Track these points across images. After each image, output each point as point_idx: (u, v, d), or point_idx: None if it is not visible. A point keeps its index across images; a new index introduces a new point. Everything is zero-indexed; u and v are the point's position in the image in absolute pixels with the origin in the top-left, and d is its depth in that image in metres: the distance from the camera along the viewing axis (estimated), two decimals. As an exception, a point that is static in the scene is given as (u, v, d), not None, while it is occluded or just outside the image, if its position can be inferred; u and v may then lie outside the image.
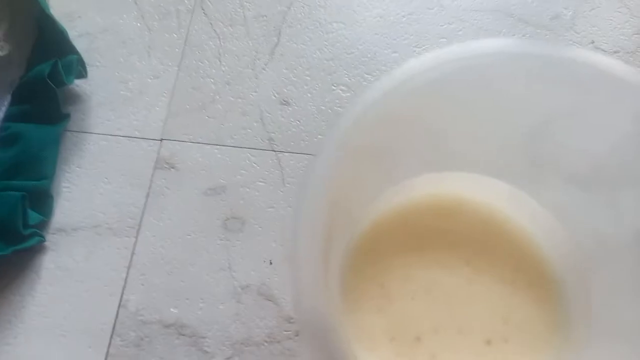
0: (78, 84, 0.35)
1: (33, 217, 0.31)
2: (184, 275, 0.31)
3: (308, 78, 0.35)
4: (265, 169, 0.33)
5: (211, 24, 0.37)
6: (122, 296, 0.30)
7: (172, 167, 0.33)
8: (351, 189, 0.20)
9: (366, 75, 0.35)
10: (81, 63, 0.33)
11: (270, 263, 0.31)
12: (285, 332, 0.29)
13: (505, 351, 0.20)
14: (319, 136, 0.34)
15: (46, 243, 0.31)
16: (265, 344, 0.29)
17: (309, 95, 0.35)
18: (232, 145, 0.34)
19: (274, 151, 0.33)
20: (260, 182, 0.33)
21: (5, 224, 0.29)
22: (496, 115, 0.21)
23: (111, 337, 0.29)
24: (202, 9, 0.37)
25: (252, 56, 0.36)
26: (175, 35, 0.37)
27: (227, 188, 0.33)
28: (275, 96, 0.35)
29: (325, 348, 0.13)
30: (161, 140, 0.34)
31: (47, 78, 0.31)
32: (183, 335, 0.29)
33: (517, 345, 0.20)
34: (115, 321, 0.30)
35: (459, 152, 0.21)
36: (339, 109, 0.34)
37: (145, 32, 0.37)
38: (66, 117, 0.33)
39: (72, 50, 0.33)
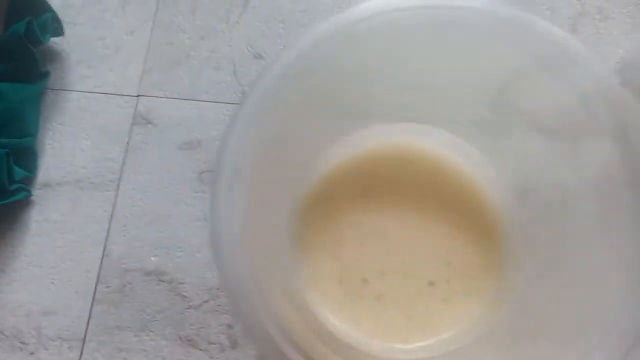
0: (56, 42, 0.36)
1: (18, 173, 0.32)
2: (163, 226, 0.32)
3: (282, 31, 0.36)
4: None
5: (185, -23, 0.37)
6: (105, 246, 0.32)
7: (149, 123, 0.34)
8: (298, 138, 0.21)
9: (339, 27, 0.35)
10: (57, 20, 0.34)
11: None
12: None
13: (447, 291, 0.21)
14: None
15: (33, 198, 0.33)
16: (240, 288, 0.31)
17: (282, 48, 0.35)
18: (207, 100, 0.34)
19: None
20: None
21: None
22: (448, 68, 0.21)
23: (96, 283, 0.31)
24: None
25: (226, 9, 0.36)
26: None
27: (203, 142, 0.34)
28: (248, 50, 0.35)
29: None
30: (138, 96, 0.35)
31: (23, 37, 0.32)
32: (162, 281, 0.31)
33: (459, 286, 0.21)
34: (99, 269, 0.32)
35: (410, 103, 0.22)
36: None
37: (120, -12, 0.37)
38: (46, 75, 0.34)
39: (47, 8, 0.33)
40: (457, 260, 0.22)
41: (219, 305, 0.31)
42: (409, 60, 0.21)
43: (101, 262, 0.32)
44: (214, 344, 0.30)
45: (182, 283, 0.31)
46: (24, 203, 0.33)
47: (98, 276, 0.32)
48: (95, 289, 0.31)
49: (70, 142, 0.34)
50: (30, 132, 0.33)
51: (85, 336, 0.31)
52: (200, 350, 0.30)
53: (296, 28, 0.36)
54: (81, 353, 0.31)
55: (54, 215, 0.33)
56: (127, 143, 0.34)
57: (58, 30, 0.34)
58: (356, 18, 0.18)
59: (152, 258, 0.32)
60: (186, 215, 0.32)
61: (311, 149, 0.22)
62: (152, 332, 0.31)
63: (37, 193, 0.33)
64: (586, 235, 0.20)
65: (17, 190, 0.32)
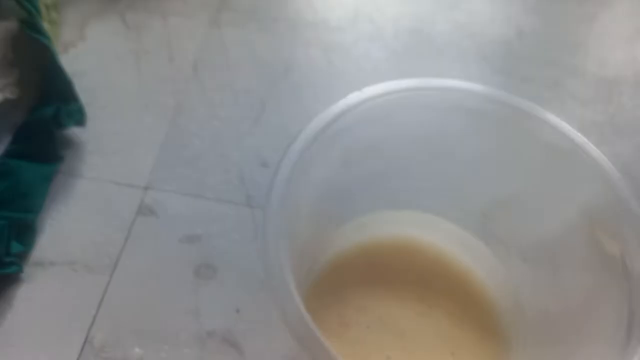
0: (75, 131, 0.38)
1: (15, 246, 0.32)
2: (152, 317, 0.32)
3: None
4: (241, 223, 0.35)
5: (204, 91, 0.41)
6: (89, 332, 0.31)
7: (153, 214, 0.35)
8: (309, 226, 0.22)
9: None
10: (81, 112, 0.36)
11: (237, 311, 0.32)
12: (245, 378, 0.30)
13: (453, 382, 0.21)
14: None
15: (22, 274, 0.32)
16: (225, 387, 0.30)
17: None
18: (212, 198, 0.36)
19: (251, 207, 0.36)
20: (235, 234, 0.35)
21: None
22: (452, 160, 0.23)
23: (73, 371, 0.30)
24: (198, 77, 0.41)
25: (238, 121, 0.40)
26: (171, 100, 0.40)
27: (202, 237, 0.35)
28: (256, 158, 0.38)
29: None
30: (146, 188, 0.36)
31: (49, 121, 0.34)
32: (144, 374, 0.30)
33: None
34: (79, 356, 0.30)
35: (414, 191, 0.24)
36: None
37: (143, 94, 0.40)
38: (60, 158, 0.36)
39: (75, 99, 0.36)
40: (461, 351, 0.22)
41: (201, 404, 0.29)
42: (414, 148, 0.23)
43: (82, 349, 0.30)
44: None
45: (164, 378, 0.30)
46: (12, 279, 0.32)
47: (76, 363, 0.30)
48: (71, 376, 0.30)
49: (70, 225, 0.34)
50: (34, 209, 0.33)
51: None
52: None
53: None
54: None
55: (41, 295, 0.32)
56: (129, 231, 0.34)
57: (81, 121, 0.37)
58: (367, 97, 0.21)
59: (136, 349, 0.31)
60: (177, 308, 0.32)
61: (319, 234, 0.23)
62: None
63: (27, 270, 0.33)
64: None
65: (9, 264, 0.31)
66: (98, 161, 0.37)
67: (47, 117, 0.34)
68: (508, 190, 0.23)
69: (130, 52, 0.43)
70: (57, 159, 0.35)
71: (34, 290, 0.32)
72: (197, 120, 0.39)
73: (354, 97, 0.21)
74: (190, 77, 0.42)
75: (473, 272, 0.24)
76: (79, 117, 0.36)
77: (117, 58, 0.43)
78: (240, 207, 0.36)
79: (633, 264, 0.18)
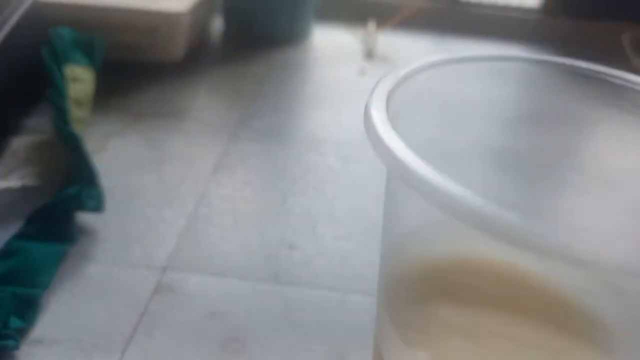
0: (92, 220, 0.36)
1: (13, 321, 0.28)
2: (170, 397, 0.26)
3: (313, 228, 0.37)
4: (269, 299, 0.32)
5: (224, 188, 0.41)
6: (92, 415, 0.25)
7: (172, 292, 0.32)
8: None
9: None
10: (101, 197, 0.35)
11: None
12: None
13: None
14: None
15: (18, 352, 0.27)
16: None
17: (315, 241, 0.36)
18: (236, 276, 0.33)
19: (280, 284, 0.33)
20: (264, 310, 0.31)
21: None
22: None
23: None
24: (218, 179, 0.42)
25: (260, 213, 0.39)
26: (190, 197, 0.40)
27: (227, 315, 0.31)
28: (282, 241, 0.36)
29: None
30: (164, 269, 0.33)
31: (70, 201, 0.33)
32: None
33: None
34: None
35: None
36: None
37: (163, 192, 0.40)
38: (73, 239, 0.33)
39: (96, 185, 0.35)
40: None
41: None
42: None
43: None
44: None
45: None
46: (7, 356, 0.27)
47: None
48: None
49: (80, 304, 0.31)
50: (39, 286, 0.30)
51: None
52: None
53: (328, 224, 0.37)
54: None
55: (37, 376, 0.27)
56: (145, 308, 0.31)
57: (99, 206, 0.35)
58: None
59: None
60: (201, 386, 0.27)
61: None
62: None
63: (24, 349, 0.28)
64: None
65: (5, 336, 0.27)
66: (113, 247, 0.35)
67: (69, 197, 0.33)
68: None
69: (150, 159, 0.44)
70: (70, 240, 0.33)
71: (29, 370, 0.27)
72: (218, 213, 0.38)
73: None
74: (210, 178, 0.42)
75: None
76: (98, 202, 0.35)
77: (138, 164, 0.43)
78: (267, 284, 0.33)
79: None
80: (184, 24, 0.53)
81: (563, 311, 0.21)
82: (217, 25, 0.71)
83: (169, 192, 0.40)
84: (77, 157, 0.36)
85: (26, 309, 0.29)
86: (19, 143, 0.41)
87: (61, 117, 0.37)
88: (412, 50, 0.69)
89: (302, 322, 0.31)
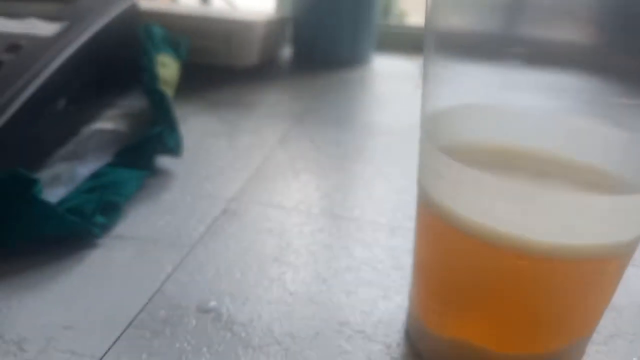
0: (170, 161, 0.40)
1: (98, 218, 0.32)
2: (230, 278, 0.29)
3: (368, 183, 0.40)
4: (324, 226, 0.34)
5: (290, 154, 0.44)
6: (162, 284, 0.28)
7: (236, 214, 0.35)
8: None
9: None
10: (180, 142, 0.40)
11: (324, 281, 0.29)
12: None
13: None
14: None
15: (99, 242, 0.31)
16: None
17: (368, 191, 0.39)
18: (294, 211, 0.36)
19: (326, 215, 0.35)
20: (318, 232, 0.33)
21: (80, 206, 0.31)
22: None
23: (138, 313, 0.26)
24: (284, 148, 0.45)
25: (320, 169, 0.42)
26: (258, 157, 0.44)
27: (284, 233, 0.33)
28: (337, 189, 0.39)
29: None
30: (231, 200, 0.37)
31: (154, 137, 0.37)
32: (218, 321, 0.26)
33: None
34: (147, 302, 0.27)
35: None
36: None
37: (233, 152, 0.44)
38: (154, 170, 0.37)
39: (177, 131, 0.40)
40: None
41: (285, 349, 0.24)
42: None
43: (153, 296, 0.27)
44: (271, 387, 0.22)
45: (242, 325, 0.25)
46: (88, 245, 0.31)
47: (144, 306, 0.26)
48: (137, 316, 0.26)
49: (155, 215, 0.34)
50: (123, 195, 0.34)
51: (103, 356, 0.23)
52: (251, 391, 0.22)
53: (380, 181, 0.40)
54: (89, 373, 0.22)
55: (115, 257, 0.30)
56: (211, 224, 0.34)
57: (178, 149, 0.40)
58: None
59: (212, 303, 0.27)
60: (261, 281, 0.29)
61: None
62: (192, 365, 0.23)
63: (106, 241, 0.31)
64: None
65: (92, 224, 0.31)
66: (187, 183, 0.39)
67: (152, 135, 0.38)
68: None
69: (223, 132, 0.48)
70: (150, 170, 0.37)
71: (108, 254, 0.30)
72: (281, 168, 0.42)
73: None
74: (276, 146, 0.46)
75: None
76: (177, 144, 0.40)
77: (211, 133, 0.48)
78: (320, 217, 0.35)
79: None
80: (257, 33, 0.60)
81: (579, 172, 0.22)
82: (286, 51, 0.78)
83: (239, 152, 0.44)
84: (162, 108, 0.41)
85: (110, 211, 0.33)
86: (113, 112, 0.47)
87: (151, 78, 0.43)
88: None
89: (346, 238, 0.33)
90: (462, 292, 0.20)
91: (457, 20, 0.21)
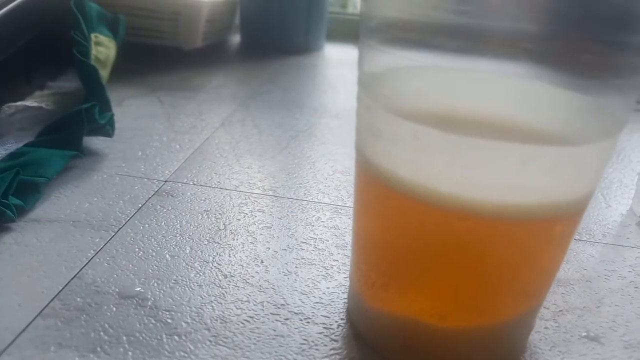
0: (101, 143, 0.37)
1: (12, 199, 0.28)
2: (158, 261, 0.26)
3: (315, 164, 0.38)
4: (264, 207, 0.32)
5: (232, 136, 0.42)
6: (80, 270, 0.25)
7: (171, 195, 0.32)
8: None
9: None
10: (112, 123, 0.37)
11: (262, 262, 0.27)
12: (272, 313, 0.23)
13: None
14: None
15: (13, 227, 0.28)
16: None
17: (313, 171, 0.37)
18: (230, 188, 0.34)
19: (268, 195, 0.33)
20: (259, 212, 0.31)
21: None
22: None
23: (52, 300, 0.23)
24: (226, 129, 0.43)
25: (265, 151, 0.40)
26: (198, 138, 0.41)
27: (221, 213, 0.31)
28: (282, 170, 0.37)
29: None
30: (166, 181, 0.34)
31: (82, 111, 0.34)
32: (142, 307, 0.23)
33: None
34: (63, 288, 0.24)
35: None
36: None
37: (172, 133, 0.41)
38: (81, 150, 0.34)
39: (109, 110, 0.37)
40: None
41: (214, 335, 0.22)
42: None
43: (68, 283, 0.24)
44: (197, 375, 0.20)
45: (168, 310, 0.23)
46: (0, 228, 0.27)
47: (58, 294, 0.23)
48: (48, 304, 0.23)
49: (80, 197, 0.31)
50: (43, 176, 0.31)
51: (4, 349, 0.20)
52: (174, 381, 0.20)
53: (325, 160, 0.38)
54: (-14, 368, 0.20)
55: (31, 242, 0.27)
56: (142, 205, 0.31)
57: (109, 132, 0.37)
58: None
59: (137, 288, 0.24)
60: (192, 258, 0.27)
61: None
62: (107, 354, 0.21)
63: (20, 224, 0.28)
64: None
65: (5, 205, 0.28)
66: (119, 164, 0.36)
67: (81, 110, 0.35)
68: None
69: (162, 113, 0.45)
70: (77, 149, 0.34)
71: (23, 238, 0.27)
72: (222, 150, 0.39)
73: None
74: (218, 128, 0.43)
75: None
76: (109, 124, 0.37)
77: (150, 115, 0.45)
78: (263, 197, 0.33)
79: None
80: (205, 14, 0.57)
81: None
82: (236, 37, 0.75)
83: (178, 134, 0.41)
84: (92, 83, 0.38)
85: (27, 192, 0.30)
86: (42, 92, 0.43)
87: (81, 52, 0.40)
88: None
89: (288, 218, 0.31)
90: (403, 260, 0.18)
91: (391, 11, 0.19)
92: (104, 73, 0.46)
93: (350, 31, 0.81)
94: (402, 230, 0.18)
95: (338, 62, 0.70)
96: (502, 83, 0.17)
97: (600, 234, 0.32)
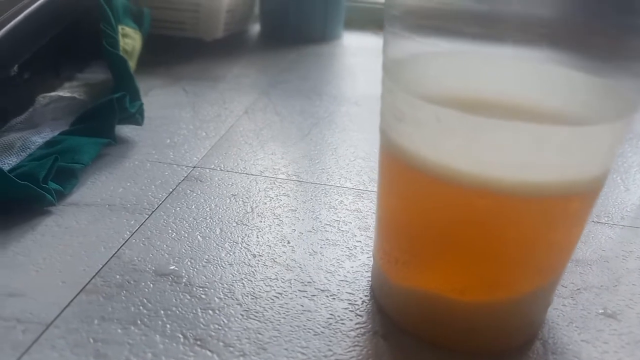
0: (131, 131, 0.39)
1: (51, 184, 0.30)
2: (192, 242, 0.27)
3: (336, 150, 0.39)
4: (289, 191, 0.33)
5: (255, 123, 0.43)
6: (118, 249, 0.27)
7: (199, 181, 0.34)
8: None
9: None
10: (142, 110, 0.38)
11: (288, 243, 0.28)
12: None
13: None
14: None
15: (52, 210, 0.29)
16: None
17: (335, 157, 0.38)
18: (256, 174, 0.35)
19: (293, 180, 0.34)
20: (284, 196, 0.33)
21: (31, 171, 0.29)
22: None
23: (93, 277, 0.25)
24: (249, 117, 0.44)
25: (287, 137, 0.41)
26: (223, 126, 0.42)
27: (247, 197, 0.32)
28: (305, 156, 0.38)
29: None
30: (194, 167, 0.35)
31: (114, 101, 0.36)
32: (177, 283, 0.25)
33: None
34: (103, 266, 0.25)
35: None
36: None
37: (197, 122, 0.43)
38: (113, 138, 0.36)
39: (139, 99, 0.38)
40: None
41: (245, 310, 0.23)
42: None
43: (108, 261, 0.26)
44: (231, 346, 0.21)
45: (201, 287, 0.24)
46: (42, 212, 0.29)
47: (98, 272, 0.25)
48: (90, 281, 0.24)
49: (114, 182, 0.33)
50: (80, 161, 0.32)
51: (52, 322, 0.22)
52: (210, 351, 0.21)
53: (346, 147, 0.39)
54: (37, 338, 0.21)
55: (70, 223, 0.28)
56: (173, 190, 0.32)
57: (139, 120, 0.38)
58: None
59: (172, 267, 0.26)
60: (223, 239, 0.28)
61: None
62: (147, 327, 0.22)
63: (60, 208, 0.30)
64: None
65: (46, 190, 0.29)
66: (149, 151, 0.37)
67: (113, 99, 0.36)
68: None
69: (187, 102, 0.47)
70: (109, 137, 0.36)
71: (62, 221, 0.29)
72: (247, 137, 0.41)
73: None
74: (241, 116, 0.45)
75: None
76: (139, 113, 0.38)
77: (175, 104, 0.46)
78: (287, 182, 0.34)
79: None
80: (223, 5, 0.58)
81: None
82: (255, 27, 0.77)
83: (203, 122, 0.43)
84: (122, 73, 0.39)
85: (65, 178, 0.31)
86: (72, 83, 0.45)
87: (111, 44, 0.41)
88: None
89: (312, 202, 0.32)
90: (424, 238, 0.19)
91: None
92: (131, 63, 0.47)
93: (368, 19, 0.82)
94: (424, 209, 0.19)
95: (356, 50, 0.71)
96: (520, 67, 0.18)
97: (619, 216, 0.32)
